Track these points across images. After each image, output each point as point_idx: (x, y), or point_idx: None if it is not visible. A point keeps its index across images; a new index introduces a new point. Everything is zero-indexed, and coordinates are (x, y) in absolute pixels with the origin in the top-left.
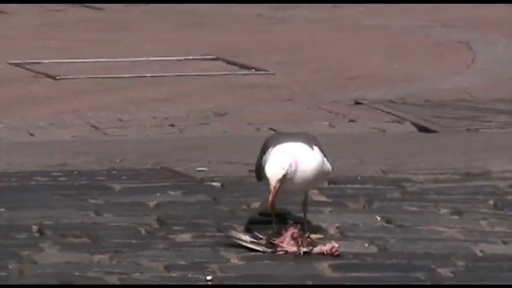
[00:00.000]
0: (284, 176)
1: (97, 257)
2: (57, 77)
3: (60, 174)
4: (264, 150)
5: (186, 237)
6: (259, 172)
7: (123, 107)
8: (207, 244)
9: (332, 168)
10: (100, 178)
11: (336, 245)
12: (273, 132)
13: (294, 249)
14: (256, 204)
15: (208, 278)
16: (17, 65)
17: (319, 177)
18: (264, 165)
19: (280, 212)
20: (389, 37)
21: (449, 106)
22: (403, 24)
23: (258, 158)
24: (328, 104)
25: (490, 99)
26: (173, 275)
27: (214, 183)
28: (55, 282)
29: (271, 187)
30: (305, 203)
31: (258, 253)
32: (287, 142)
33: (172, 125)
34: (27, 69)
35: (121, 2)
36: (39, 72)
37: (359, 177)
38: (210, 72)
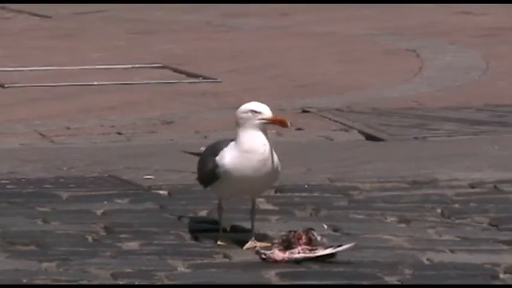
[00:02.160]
0: None
1: (45, 265)
2: (6, 85)
3: (7, 182)
4: (214, 153)
5: (133, 245)
6: (211, 176)
7: (71, 115)
8: (154, 252)
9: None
10: (48, 186)
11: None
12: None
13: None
14: (204, 212)
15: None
16: None
17: (277, 175)
18: (217, 164)
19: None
20: (338, 45)
21: (397, 114)
22: (352, 32)
23: (203, 163)
24: (276, 112)
25: (437, 107)
26: (120, 282)
27: (161, 191)
28: None
29: (272, 116)
30: (253, 211)
31: (205, 261)
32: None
33: (119, 133)
34: None
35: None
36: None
37: (306, 186)
38: (157, 80)
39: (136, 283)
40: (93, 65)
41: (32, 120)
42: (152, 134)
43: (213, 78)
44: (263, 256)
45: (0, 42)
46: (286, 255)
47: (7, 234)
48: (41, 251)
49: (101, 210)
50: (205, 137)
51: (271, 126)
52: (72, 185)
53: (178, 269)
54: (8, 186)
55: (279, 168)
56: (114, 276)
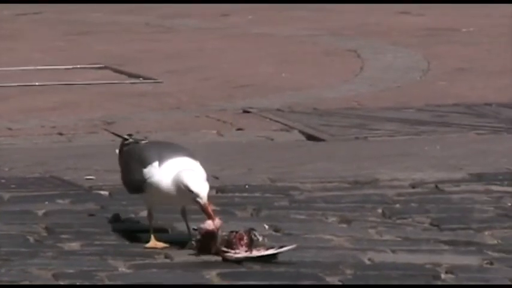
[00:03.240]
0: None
1: None
2: None
3: None
4: (142, 163)
5: (74, 245)
6: (137, 185)
7: (12, 116)
8: (95, 253)
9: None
10: None
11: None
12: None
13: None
14: (144, 213)
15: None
16: None
17: None
18: (152, 179)
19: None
20: (278, 45)
21: (338, 114)
22: (291, 33)
23: (130, 169)
24: (216, 113)
25: (378, 108)
26: (61, 283)
27: (102, 192)
28: None
29: (206, 203)
30: (184, 211)
31: (146, 261)
32: (174, 157)
33: (60, 134)
34: None
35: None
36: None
37: (247, 186)
38: (98, 81)
39: (78, 283)
40: (34, 66)
41: None
42: (93, 135)
43: (153, 79)
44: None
45: None
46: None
47: None
48: None
49: (42, 211)
50: (146, 137)
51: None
52: (13, 186)
53: (120, 269)
54: None
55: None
56: (55, 276)
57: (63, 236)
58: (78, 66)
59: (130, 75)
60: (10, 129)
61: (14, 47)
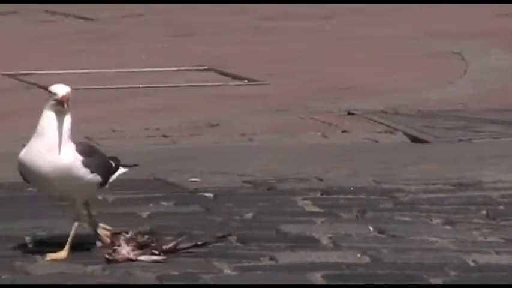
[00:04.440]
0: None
1: (90, 268)
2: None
3: None
4: None
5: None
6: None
7: (116, 118)
8: (200, 254)
9: (105, 181)
10: None
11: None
12: None
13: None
14: (249, 215)
15: None
16: (10, 76)
17: (71, 170)
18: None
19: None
20: (382, 48)
21: (442, 116)
22: (395, 35)
23: None
24: (321, 115)
25: (482, 109)
26: (166, 285)
27: (206, 194)
28: None
29: (65, 92)
30: (89, 215)
31: (251, 263)
32: None
33: (165, 136)
34: (20, 80)
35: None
36: (31, 83)
37: (352, 188)
38: (203, 82)
39: (181, 284)
40: (138, 68)
41: (76, 123)
42: (197, 137)
43: (258, 81)
44: (107, 256)
45: (44, 45)
46: (131, 255)
47: (52, 237)
48: (86, 254)
49: (147, 213)
50: (251, 140)
51: (317, 129)
52: (117, 188)
53: (224, 271)
54: None
55: (81, 168)
56: (159, 278)
57: (168, 238)
58: (183, 68)
59: (235, 77)
60: (114, 131)
61: (118, 49)
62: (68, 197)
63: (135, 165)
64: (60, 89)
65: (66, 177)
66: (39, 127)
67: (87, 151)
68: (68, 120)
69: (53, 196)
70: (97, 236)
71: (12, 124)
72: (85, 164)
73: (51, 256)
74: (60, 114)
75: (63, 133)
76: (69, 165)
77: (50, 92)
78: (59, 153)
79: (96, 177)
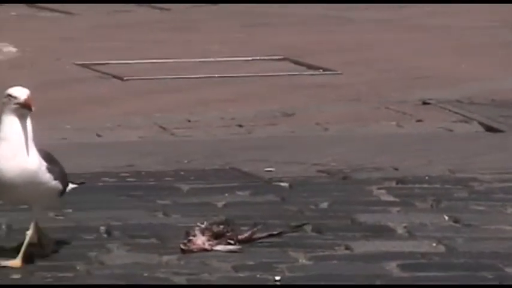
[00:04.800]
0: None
1: (165, 258)
2: (125, 78)
3: (127, 175)
4: None
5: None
6: None
7: (191, 108)
8: (275, 244)
9: (64, 190)
10: (168, 179)
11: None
12: None
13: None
14: (325, 205)
15: (277, 278)
16: (84, 65)
17: (38, 175)
18: None
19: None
20: (455, 37)
21: None
22: (469, 24)
23: None
24: (396, 104)
25: None
26: (241, 275)
27: (282, 184)
28: (122, 283)
29: (22, 99)
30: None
31: (326, 253)
32: None
33: (240, 126)
34: (94, 70)
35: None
36: (106, 73)
37: (427, 177)
38: (278, 72)
39: (258, 275)
40: (213, 58)
41: (151, 113)
42: (272, 126)
43: (332, 70)
44: (182, 247)
45: (120, 35)
46: (206, 245)
47: (127, 228)
48: (161, 244)
49: (222, 203)
50: (326, 129)
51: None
52: (192, 178)
53: (300, 261)
54: (128, 179)
55: (46, 172)
56: (235, 268)
57: (243, 228)
58: (258, 58)
59: (310, 67)
60: (189, 121)
61: (192, 39)
62: (28, 204)
63: (82, 183)
64: (21, 92)
65: (31, 182)
66: (1, 132)
67: (49, 158)
68: (29, 124)
69: (12, 203)
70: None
71: (86, 114)
72: (49, 170)
73: (5, 264)
74: (22, 118)
75: (28, 137)
76: (35, 170)
77: (9, 95)
78: (25, 158)
79: (58, 185)
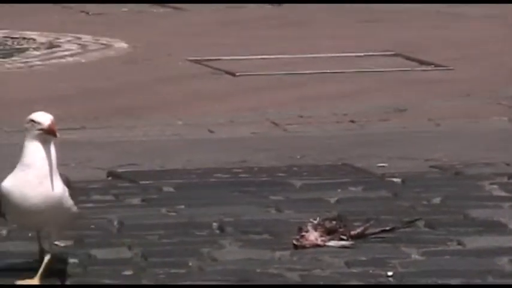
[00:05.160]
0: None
1: (278, 254)
2: (237, 74)
3: (240, 171)
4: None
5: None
6: None
7: (303, 103)
8: (388, 240)
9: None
10: (280, 174)
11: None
12: None
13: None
14: (437, 200)
15: (389, 273)
16: (196, 61)
17: (61, 202)
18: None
19: None
20: None
21: None
22: None
23: None
24: (508, 99)
25: None
26: (354, 270)
27: (394, 179)
28: (235, 279)
29: (46, 125)
30: (41, 251)
31: (438, 248)
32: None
33: (352, 121)
34: (206, 65)
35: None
36: (218, 69)
37: None
38: (390, 68)
39: (371, 271)
40: (324, 53)
41: (263, 108)
42: (385, 122)
43: (444, 66)
44: (295, 242)
45: (232, 31)
46: (318, 241)
47: (239, 224)
48: (274, 239)
49: (335, 198)
50: (438, 125)
51: (503, 113)
52: (305, 173)
53: (412, 256)
54: (241, 175)
55: (68, 198)
56: (348, 264)
57: (356, 224)
58: (370, 53)
59: (422, 62)
60: (301, 116)
61: (305, 35)
62: (48, 228)
63: None
64: (44, 118)
65: (56, 208)
66: (25, 158)
67: (68, 182)
68: (53, 149)
69: (28, 227)
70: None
71: (198, 110)
72: (71, 196)
73: (21, 282)
74: (46, 144)
75: (52, 164)
76: (60, 196)
77: (32, 121)
78: (51, 184)
79: (76, 210)
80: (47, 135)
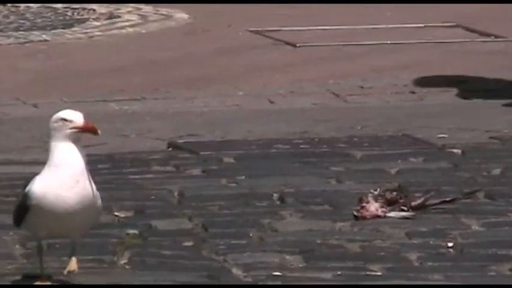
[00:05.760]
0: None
1: (338, 225)
2: (297, 45)
3: (301, 141)
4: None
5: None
6: (21, 208)
7: (364, 75)
8: (448, 211)
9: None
10: (341, 145)
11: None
12: None
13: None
14: (497, 171)
15: (450, 244)
16: (256, 32)
17: (95, 203)
18: (25, 192)
19: None
20: None
21: None
22: None
23: (16, 201)
24: None
25: None
26: (414, 241)
27: (455, 150)
28: (296, 250)
29: (82, 123)
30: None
31: (499, 219)
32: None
33: (412, 92)
34: (267, 36)
35: None
36: (278, 40)
37: None
38: (450, 39)
39: (431, 242)
40: (385, 24)
41: (324, 79)
42: (445, 93)
43: (504, 37)
44: (356, 213)
45: (289, 3)
46: (379, 212)
47: (300, 194)
48: (334, 210)
49: (395, 169)
50: (497, 96)
51: None
52: (365, 144)
53: (473, 227)
54: (301, 146)
55: (99, 197)
56: (408, 235)
57: (416, 195)
58: (430, 24)
59: (482, 34)
60: (362, 87)
61: (364, 6)
62: (78, 231)
63: None
64: (76, 116)
65: (90, 209)
66: (57, 159)
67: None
68: (83, 149)
69: (58, 235)
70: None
71: (259, 80)
72: (99, 196)
73: (41, 283)
74: (77, 143)
75: (84, 164)
76: (95, 197)
77: (63, 119)
78: (86, 184)
79: (101, 209)
80: (81, 133)
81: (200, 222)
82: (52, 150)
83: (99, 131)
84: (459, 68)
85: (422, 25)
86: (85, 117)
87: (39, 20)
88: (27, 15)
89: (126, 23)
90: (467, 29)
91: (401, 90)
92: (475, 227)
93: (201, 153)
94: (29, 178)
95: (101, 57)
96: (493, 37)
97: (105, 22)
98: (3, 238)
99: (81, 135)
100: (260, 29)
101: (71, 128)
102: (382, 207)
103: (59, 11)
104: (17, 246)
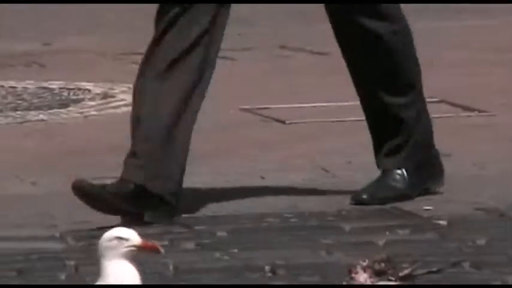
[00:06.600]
0: None
1: None
2: (287, 122)
3: (291, 215)
4: None
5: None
6: None
7: (352, 150)
8: (434, 280)
9: None
10: (330, 219)
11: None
12: None
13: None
14: (482, 241)
15: None
16: (247, 110)
17: None
18: None
19: None
20: None
21: None
22: None
23: None
24: None
25: None
26: None
27: (441, 222)
28: None
29: (140, 241)
30: None
31: None
32: None
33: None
34: (256, 114)
35: None
36: (267, 117)
37: None
38: (436, 114)
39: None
40: None
41: (313, 155)
42: None
43: (487, 112)
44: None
45: (281, 79)
46: (368, 282)
47: (292, 266)
48: (325, 281)
49: (383, 241)
50: (482, 169)
51: None
52: (354, 217)
53: None
54: (292, 220)
55: None
56: None
57: (403, 266)
58: None
59: (465, 108)
60: (350, 163)
61: (349, 82)
62: None
63: None
64: (132, 233)
65: None
66: (111, 277)
67: None
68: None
69: None
70: None
71: (249, 157)
72: None
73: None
74: (132, 260)
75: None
76: None
77: (119, 238)
78: None
79: None
80: (140, 252)
81: None
82: (106, 270)
83: (161, 250)
84: (444, 142)
85: None
86: (141, 238)
87: (35, 100)
88: (25, 96)
89: (121, 102)
90: (452, 104)
91: None
92: None
93: (195, 227)
94: None
95: (96, 136)
96: (476, 112)
97: (100, 102)
98: None
99: (137, 254)
100: (250, 106)
101: (128, 246)
102: (370, 277)
103: (55, 91)
104: None
